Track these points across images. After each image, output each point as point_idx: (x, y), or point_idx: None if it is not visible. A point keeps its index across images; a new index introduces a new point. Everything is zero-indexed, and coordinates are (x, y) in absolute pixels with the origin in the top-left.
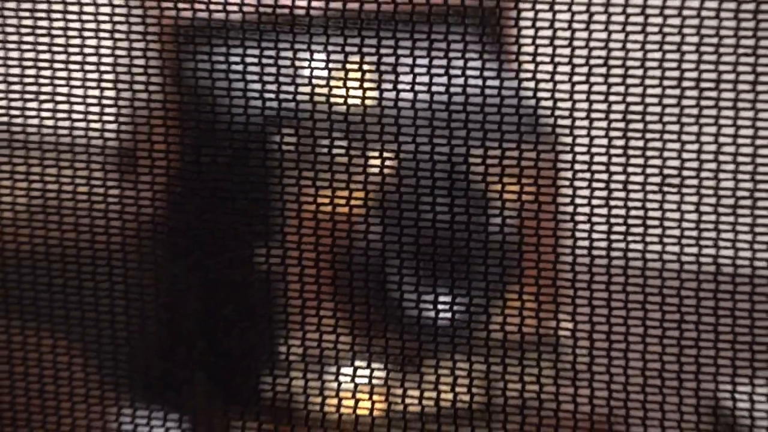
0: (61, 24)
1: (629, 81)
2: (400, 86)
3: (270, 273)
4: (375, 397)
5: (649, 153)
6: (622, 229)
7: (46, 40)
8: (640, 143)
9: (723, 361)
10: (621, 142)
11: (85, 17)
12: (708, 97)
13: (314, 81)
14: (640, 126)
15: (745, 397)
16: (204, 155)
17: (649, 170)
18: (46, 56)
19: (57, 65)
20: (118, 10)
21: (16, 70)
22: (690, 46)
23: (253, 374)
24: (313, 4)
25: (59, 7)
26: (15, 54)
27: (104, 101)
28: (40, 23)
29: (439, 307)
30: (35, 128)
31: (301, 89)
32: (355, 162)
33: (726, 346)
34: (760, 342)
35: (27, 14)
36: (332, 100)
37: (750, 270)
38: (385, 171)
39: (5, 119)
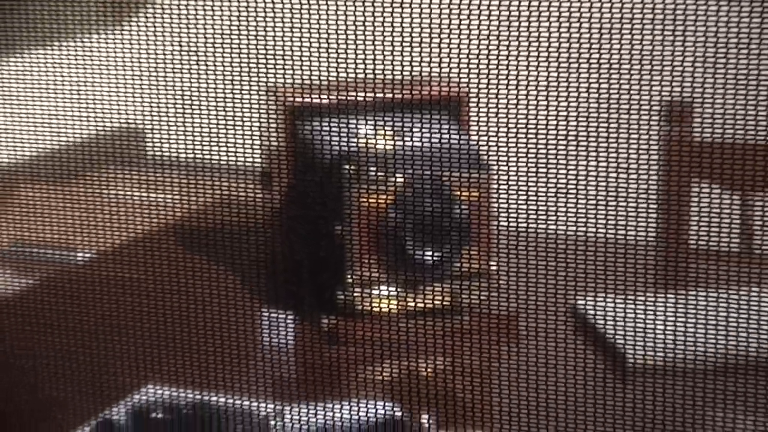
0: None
1: (534, 139)
2: (407, 140)
3: (343, 238)
4: (395, 302)
5: (541, 171)
6: (523, 214)
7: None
8: (537, 168)
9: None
10: (524, 169)
11: (246, 101)
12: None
13: (366, 135)
14: (537, 160)
15: (599, 307)
16: (308, 176)
17: (540, 185)
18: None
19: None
20: (263, 98)
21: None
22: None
23: (333, 291)
24: (365, 96)
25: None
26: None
27: (255, 147)
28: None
29: (430, 255)
30: (223, 163)
31: (360, 141)
32: (386, 179)
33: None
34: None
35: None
36: (375, 145)
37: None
38: (400, 184)
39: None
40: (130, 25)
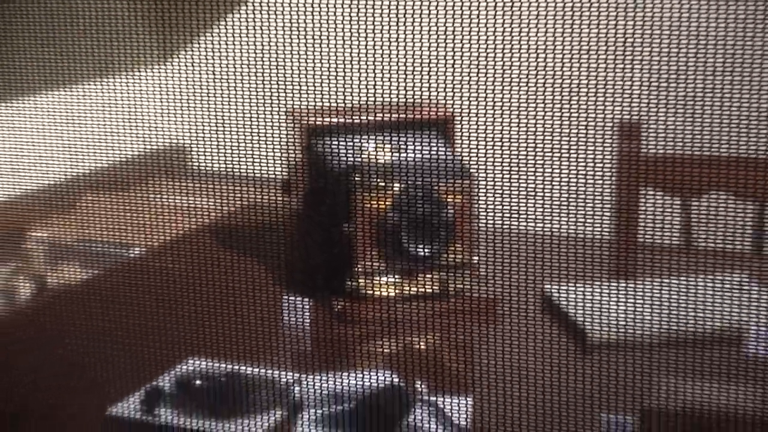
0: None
1: (509, 152)
2: (403, 154)
3: (350, 235)
4: (393, 288)
5: (515, 179)
6: (500, 215)
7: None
8: (512, 176)
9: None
10: (500, 177)
11: (269, 122)
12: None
13: (369, 150)
14: (511, 170)
15: (565, 292)
16: (321, 184)
17: (514, 190)
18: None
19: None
20: (283, 119)
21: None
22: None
23: (342, 279)
24: (368, 117)
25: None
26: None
27: (277, 160)
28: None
29: (422, 249)
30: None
31: (364, 154)
32: (385, 186)
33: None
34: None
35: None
36: (376, 158)
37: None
38: (397, 190)
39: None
40: (176, 60)
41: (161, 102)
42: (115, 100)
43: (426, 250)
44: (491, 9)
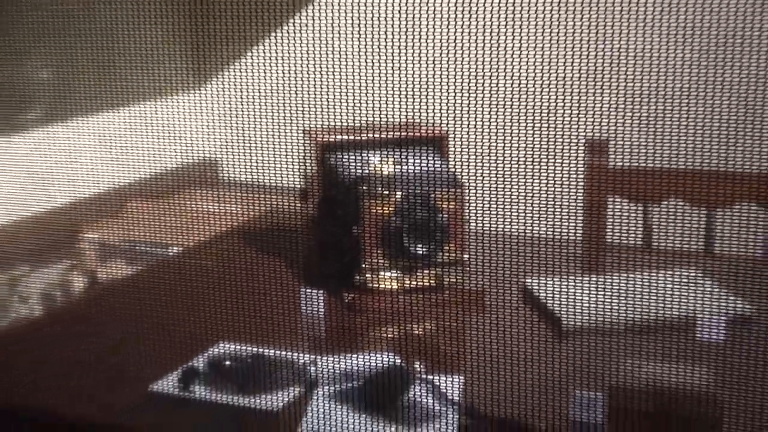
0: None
1: (494, 165)
2: (404, 167)
3: (358, 236)
4: (396, 282)
5: (500, 189)
6: (487, 219)
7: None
8: (497, 186)
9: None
10: (487, 187)
11: (289, 139)
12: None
13: (374, 163)
14: (497, 180)
15: (543, 286)
16: (333, 192)
17: (499, 199)
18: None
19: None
20: (301, 137)
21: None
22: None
23: (351, 274)
24: (374, 135)
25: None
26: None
27: (296, 172)
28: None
29: (420, 249)
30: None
31: (370, 167)
32: (389, 195)
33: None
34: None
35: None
36: (381, 170)
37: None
38: (399, 198)
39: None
40: (210, 87)
41: (197, 122)
42: (157, 120)
43: (424, 250)
44: (479, 47)
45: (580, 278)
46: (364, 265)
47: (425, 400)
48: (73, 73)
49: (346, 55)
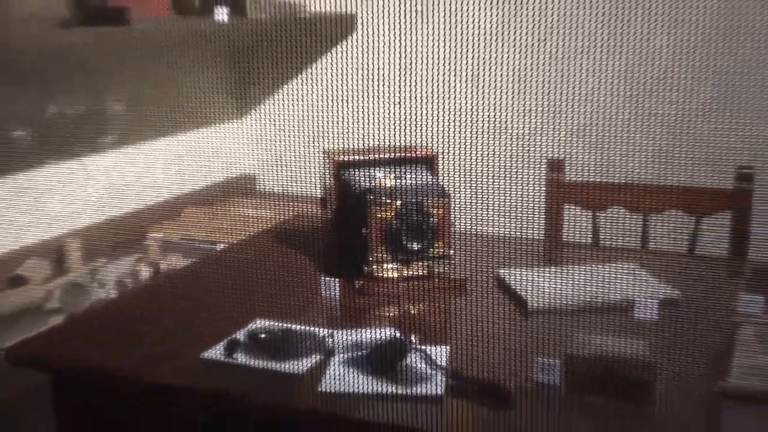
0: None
1: (475, 179)
2: (403, 180)
3: (367, 234)
4: (396, 272)
5: (480, 197)
6: (469, 222)
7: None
8: (478, 195)
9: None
10: (470, 196)
11: (312, 158)
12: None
13: (379, 178)
14: (477, 191)
15: (518, 276)
16: (347, 201)
17: (478, 205)
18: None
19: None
20: (322, 156)
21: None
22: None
23: (361, 266)
24: (380, 156)
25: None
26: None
27: (318, 184)
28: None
29: (416, 246)
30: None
31: (376, 181)
32: (391, 202)
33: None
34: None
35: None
36: (384, 183)
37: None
38: (399, 205)
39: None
40: (250, 116)
41: (239, 145)
42: (207, 144)
43: (418, 246)
44: (462, 83)
45: (543, 269)
46: (371, 259)
47: (419, 366)
48: (143, 110)
49: (359, 94)
